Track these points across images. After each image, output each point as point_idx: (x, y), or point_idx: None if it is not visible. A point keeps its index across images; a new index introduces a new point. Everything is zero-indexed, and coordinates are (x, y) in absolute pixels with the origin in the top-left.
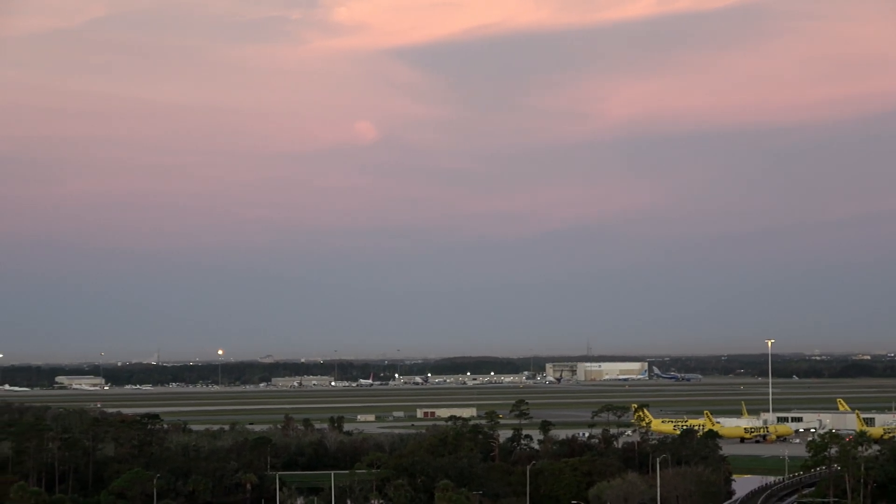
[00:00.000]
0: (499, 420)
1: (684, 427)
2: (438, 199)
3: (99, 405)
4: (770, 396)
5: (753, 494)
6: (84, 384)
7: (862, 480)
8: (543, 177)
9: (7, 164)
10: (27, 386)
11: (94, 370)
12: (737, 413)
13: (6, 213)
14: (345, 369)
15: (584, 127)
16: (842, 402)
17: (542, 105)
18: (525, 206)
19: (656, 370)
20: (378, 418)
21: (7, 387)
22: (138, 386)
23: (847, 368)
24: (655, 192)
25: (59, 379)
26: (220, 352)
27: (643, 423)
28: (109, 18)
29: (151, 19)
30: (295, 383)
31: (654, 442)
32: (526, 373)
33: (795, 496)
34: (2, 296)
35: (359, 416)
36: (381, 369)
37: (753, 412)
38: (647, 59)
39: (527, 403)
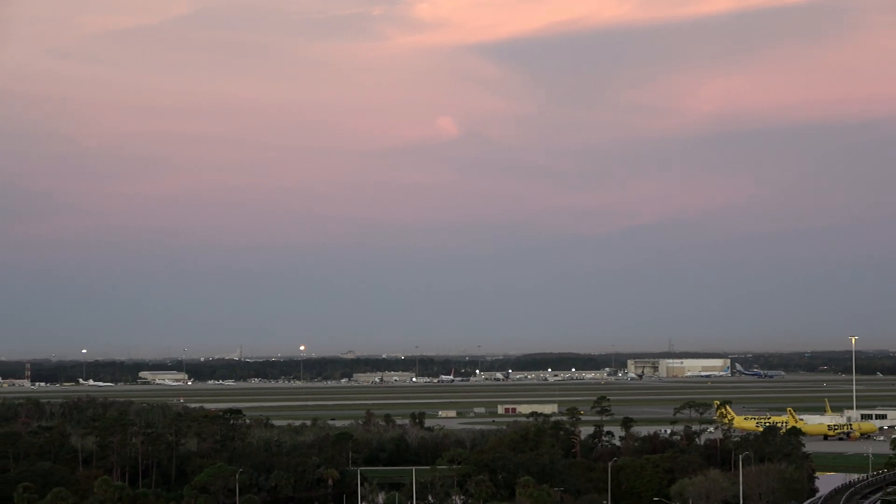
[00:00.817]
0: (580, 416)
1: (767, 424)
2: (520, 194)
3: (182, 400)
4: (854, 393)
5: (837, 492)
6: (167, 379)
7: None
8: (627, 172)
9: (92, 160)
10: (111, 381)
11: (177, 365)
12: (820, 410)
13: (92, 209)
14: (426, 365)
15: (668, 122)
16: None
17: (625, 100)
18: (608, 202)
19: (739, 367)
20: (459, 414)
21: (91, 382)
22: (221, 381)
23: None
24: (740, 187)
25: (142, 374)
26: (301, 348)
27: (725, 420)
28: (192, 16)
29: (233, 17)
30: (376, 379)
31: (736, 439)
32: (607, 369)
33: (879, 494)
34: (87, 294)
35: (440, 412)
36: (463, 365)
37: (837, 409)
38: (732, 53)
39: (608, 400)
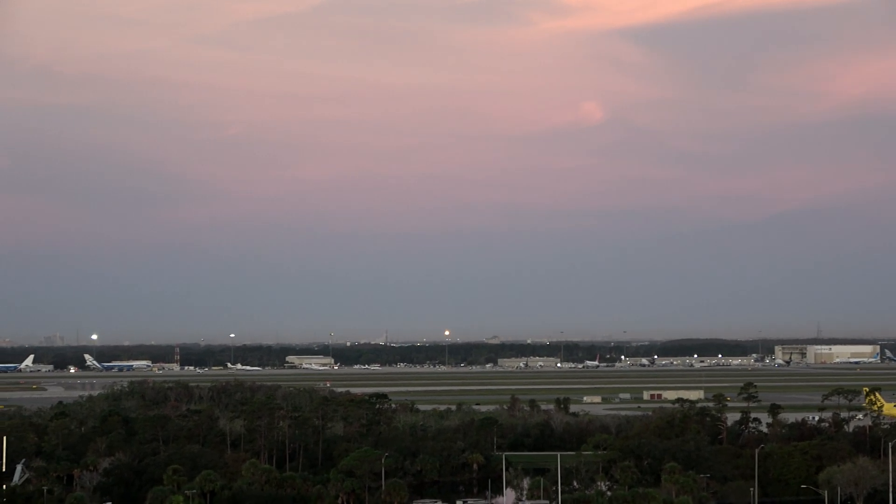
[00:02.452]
0: (726, 403)
1: None
2: (664, 179)
3: (328, 384)
4: None
5: None
6: (314, 364)
7: None
8: (773, 157)
9: (240, 148)
10: (259, 366)
11: (323, 350)
12: None
13: (241, 197)
14: (571, 351)
15: (815, 106)
16: None
17: (771, 84)
18: (754, 187)
19: (889, 353)
20: (604, 400)
21: (239, 366)
22: (367, 366)
23: None
24: (890, 171)
25: (289, 359)
26: (446, 333)
27: (875, 408)
28: (338, 3)
29: (379, 3)
30: (521, 364)
31: (886, 426)
32: (754, 355)
33: None
34: (235, 279)
35: (585, 398)
36: (608, 351)
37: None
38: (881, 35)
39: (755, 386)
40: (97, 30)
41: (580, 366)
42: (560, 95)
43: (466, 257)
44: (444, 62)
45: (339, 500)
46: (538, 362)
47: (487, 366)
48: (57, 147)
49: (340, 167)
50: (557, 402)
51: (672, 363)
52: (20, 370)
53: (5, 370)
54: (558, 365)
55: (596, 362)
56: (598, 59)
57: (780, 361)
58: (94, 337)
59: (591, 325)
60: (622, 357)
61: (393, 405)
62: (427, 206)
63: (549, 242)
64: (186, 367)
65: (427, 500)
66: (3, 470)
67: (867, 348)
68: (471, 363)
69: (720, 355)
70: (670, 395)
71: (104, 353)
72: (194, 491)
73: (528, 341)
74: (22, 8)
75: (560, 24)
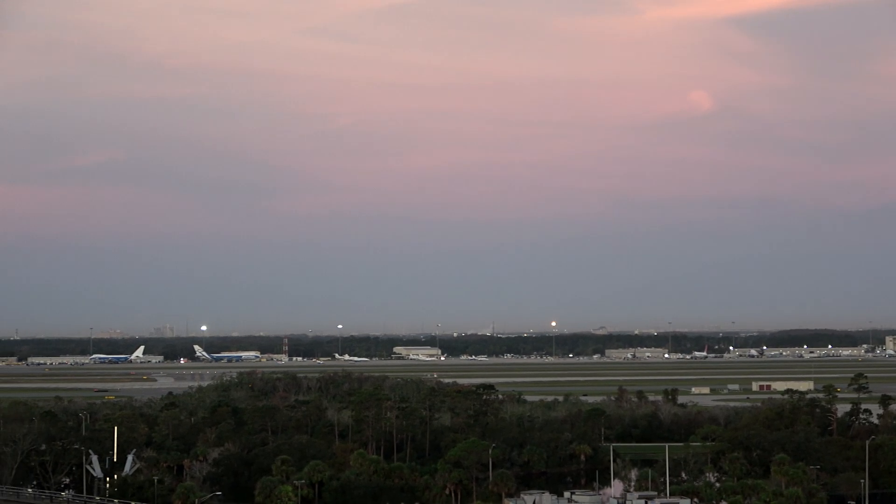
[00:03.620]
0: (836, 394)
1: None
2: (774, 168)
3: (435, 375)
4: None
5: None
6: (421, 354)
7: None
8: (887, 145)
9: (349, 139)
10: (366, 356)
11: (430, 341)
12: None
13: (349, 188)
14: (679, 341)
15: None
16: None
17: (885, 71)
18: (866, 176)
19: None
20: (712, 391)
21: (347, 357)
22: (474, 356)
23: None
24: None
25: (396, 349)
26: (553, 324)
27: None
28: None
29: None
30: (628, 355)
31: None
32: (864, 346)
33: None
34: (343, 270)
35: (693, 389)
36: (716, 341)
37: None
38: None
39: (866, 377)
40: (208, 23)
41: (688, 356)
42: (669, 85)
43: (574, 247)
44: (553, 52)
45: (447, 491)
46: (646, 353)
47: (594, 356)
48: (168, 139)
49: (449, 157)
50: (665, 393)
51: (781, 354)
52: (131, 361)
53: (116, 361)
54: (666, 356)
55: (704, 353)
56: (708, 47)
57: (891, 352)
58: (204, 328)
59: (699, 315)
60: (731, 348)
61: (500, 396)
62: (535, 195)
63: (657, 232)
64: (294, 358)
65: (534, 491)
66: (115, 460)
67: None
68: (578, 354)
69: (830, 346)
70: (779, 386)
71: (213, 345)
72: (303, 481)
73: (636, 332)
74: (132, 3)
75: (669, 12)
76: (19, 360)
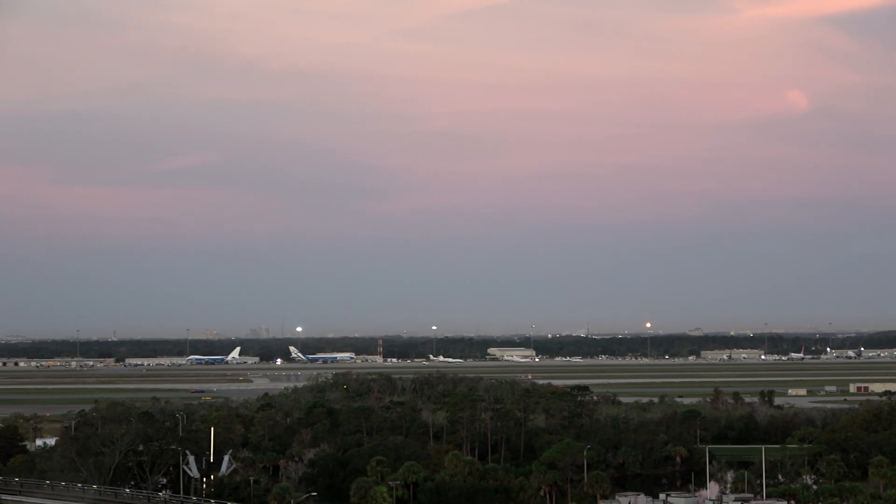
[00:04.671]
0: None
1: None
2: (872, 168)
3: (530, 376)
4: None
5: None
6: (515, 356)
7: None
8: None
9: (444, 140)
10: (460, 357)
11: (524, 342)
12: None
13: (444, 189)
14: (775, 343)
15: None
16: None
17: None
18: None
19: None
20: (809, 392)
21: (441, 358)
22: (568, 358)
23: None
24: None
25: (490, 350)
26: (647, 325)
27: None
28: None
29: None
30: (724, 356)
31: None
32: None
33: None
34: (437, 271)
35: (789, 391)
36: (813, 343)
37: None
38: None
39: None
40: (302, 25)
41: (784, 358)
42: (765, 84)
43: (669, 249)
44: (647, 51)
45: (542, 492)
46: (742, 354)
47: (690, 358)
48: (263, 142)
49: (543, 158)
50: (762, 394)
51: (879, 355)
52: (227, 362)
53: (213, 362)
54: (762, 357)
55: (801, 354)
56: (805, 46)
57: None
58: (299, 329)
59: (795, 316)
60: (828, 349)
61: (595, 397)
62: (628, 196)
63: (753, 233)
64: (389, 359)
65: (630, 493)
66: (212, 460)
67: None
68: (673, 355)
69: None
70: (877, 387)
71: (309, 346)
72: (398, 482)
73: (732, 333)
74: (228, 5)
75: (766, 11)
76: (117, 361)
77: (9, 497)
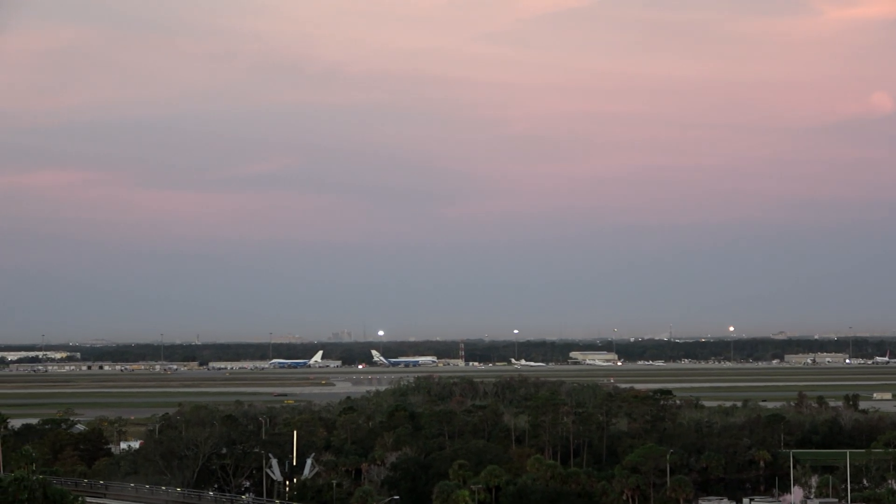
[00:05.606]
0: None
1: None
2: None
3: (612, 380)
4: None
5: None
6: (597, 359)
7: None
8: None
9: (526, 142)
10: (542, 361)
11: (607, 346)
12: None
13: (525, 192)
14: (859, 346)
15: None
16: None
17: None
18: None
19: None
20: (895, 396)
21: (523, 362)
22: (651, 362)
23: None
24: None
25: (572, 354)
26: (730, 328)
27: None
28: None
29: None
30: (808, 360)
31: None
32: None
33: None
34: (518, 274)
35: (875, 394)
36: None
37: None
38: None
39: None
40: (382, 30)
41: (870, 362)
42: (848, 86)
43: (749, 251)
44: (731, 54)
45: (624, 496)
46: (826, 358)
47: (773, 362)
48: (343, 147)
49: (624, 161)
50: (846, 398)
51: None
52: (309, 366)
53: (295, 366)
54: (847, 361)
55: (886, 358)
56: (889, 47)
57: None
58: (381, 333)
59: (881, 319)
60: None
61: (677, 401)
62: (712, 199)
63: (836, 235)
64: (471, 363)
65: (713, 498)
66: (294, 464)
67: None
68: (756, 359)
69: None
70: None
71: (390, 349)
72: (480, 485)
73: (816, 337)
74: (309, 11)
75: (849, 12)
76: (200, 364)
77: (94, 499)
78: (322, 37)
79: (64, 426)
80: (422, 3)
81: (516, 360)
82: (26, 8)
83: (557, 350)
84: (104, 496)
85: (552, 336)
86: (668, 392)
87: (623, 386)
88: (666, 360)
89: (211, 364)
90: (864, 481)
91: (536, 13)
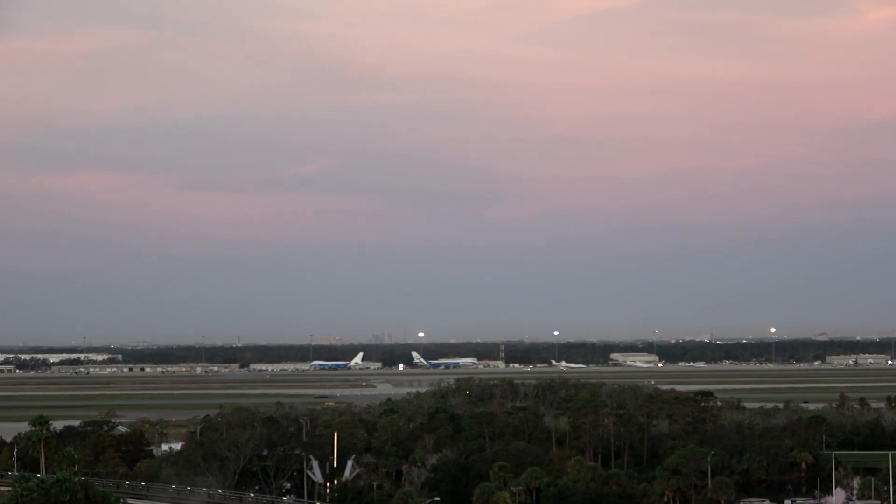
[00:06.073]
0: None
1: None
2: None
3: (653, 382)
4: None
5: None
6: (638, 361)
7: None
8: None
9: (566, 143)
10: (583, 363)
11: (647, 347)
12: None
13: (564, 193)
14: None
15: None
16: None
17: None
18: None
19: None
20: None
21: (564, 364)
22: (691, 363)
23: None
24: None
25: (613, 356)
26: (772, 329)
27: None
28: None
29: None
30: (850, 361)
31: None
32: None
33: None
34: (559, 275)
35: None
36: None
37: None
38: None
39: None
40: (423, 31)
41: None
42: (890, 86)
43: (791, 252)
44: (772, 55)
45: (665, 498)
46: (868, 359)
47: (815, 363)
48: (384, 148)
49: (660, 162)
50: (888, 400)
51: None
52: (350, 367)
53: (336, 368)
54: (889, 362)
55: None
56: None
57: None
58: (421, 335)
59: None
60: None
61: (718, 403)
62: (748, 200)
63: (878, 236)
64: (511, 365)
65: (754, 499)
66: (335, 465)
67: None
68: (798, 360)
69: None
70: None
71: (431, 351)
72: (520, 487)
73: (858, 338)
74: (350, 13)
75: (890, 12)
76: (241, 366)
77: (135, 501)
78: (362, 39)
79: (105, 428)
80: (460, 4)
81: (557, 361)
82: (66, 11)
83: (598, 351)
84: (145, 497)
85: (593, 338)
86: (709, 393)
87: (664, 387)
88: (707, 362)
89: (252, 366)
90: None
91: (573, 14)
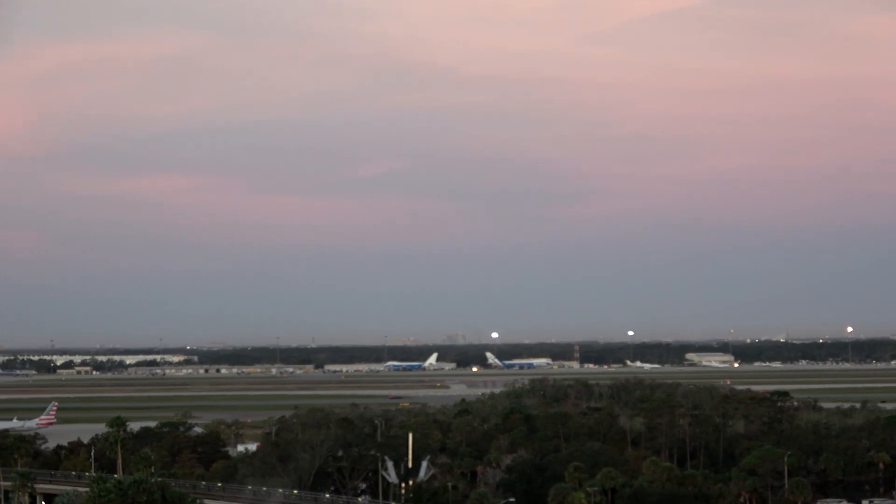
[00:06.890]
0: None
1: None
2: None
3: (728, 382)
4: None
5: None
6: (713, 361)
7: None
8: None
9: (635, 143)
10: (658, 363)
11: (722, 347)
12: None
13: (634, 192)
14: None
15: None
16: None
17: None
18: None
19: None
20: None
21: (638, 364)
22: (767, 363)
23: None
24: None
25: (688, 356)
26: (848, 329)
27: None
28: None
29: None
30: None
31: None
32: None
33: None
34: (632, 276)
35: None
36: None
37: None
38: None
39: None
40: (493, 32)
41: None
42: None
43: (866, 252)
44: (839, 53)
45: (741, 499)
46: None
47: (893, 362)
48: (454, 149)
49: (731, 161)
50: None
51: None
52: (424, 368)
53: (410, 368)
54: None
55: None
56: None
57: None
58: (495, 335)
59: None
60: None
61: (795, 403)
62: (822, 200)
63: None
64: (586, 365)
65: (831, 500)
66: (410, 466)
67: None
68: (876, 360)
69: None
70: None
71: (505, 352)
72: (596, 488)
73: None
74: (420, 14)
75: None
76: (316, 367)
77: (211, 502)
78: (433, 40)
79: (182, 429)
80: (530, 4)
81: (631, 361)
82: (139, 16)
83: (673, 352)
84: (221, 498)
85: (667, 338)
86: (785, 393)
87: (739, 387)
88: (783, 362)
89: (326, 367)
90: None
91: (644, 13)
